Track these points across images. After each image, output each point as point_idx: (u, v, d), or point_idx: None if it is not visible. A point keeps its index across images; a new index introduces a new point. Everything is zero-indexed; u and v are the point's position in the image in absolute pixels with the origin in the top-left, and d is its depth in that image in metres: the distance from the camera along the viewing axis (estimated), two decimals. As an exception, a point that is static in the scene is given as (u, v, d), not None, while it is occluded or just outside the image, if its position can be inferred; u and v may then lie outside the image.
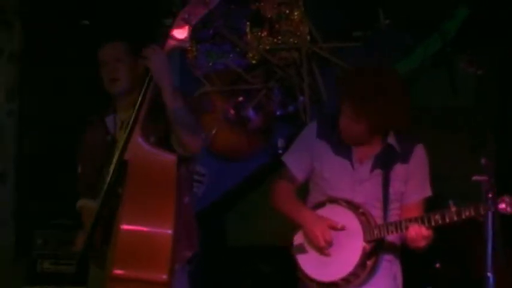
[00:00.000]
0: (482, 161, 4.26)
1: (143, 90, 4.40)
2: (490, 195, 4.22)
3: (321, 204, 4.73)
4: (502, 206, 4.35)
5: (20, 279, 6.35)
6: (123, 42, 4.78)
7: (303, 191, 4.84)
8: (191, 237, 4.71)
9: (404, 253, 4.81)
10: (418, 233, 4.46)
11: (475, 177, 4.31)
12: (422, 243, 4.50)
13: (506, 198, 4.33)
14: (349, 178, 4.71)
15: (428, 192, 4.76)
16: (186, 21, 4.39)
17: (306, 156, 4.80)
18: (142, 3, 6.63)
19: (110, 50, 4.76)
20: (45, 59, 6.74)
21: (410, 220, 4.53)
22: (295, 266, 4.75)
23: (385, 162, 4.69)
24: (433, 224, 4.46)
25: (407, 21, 6.89)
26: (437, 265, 5.84)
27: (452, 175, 4.93)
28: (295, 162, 4.83)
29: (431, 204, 4.69)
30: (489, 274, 4.12)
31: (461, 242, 6.17)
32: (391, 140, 4.70)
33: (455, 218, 4.42)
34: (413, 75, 7.02)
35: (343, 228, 4.62)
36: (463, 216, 4.40)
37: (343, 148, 4.71)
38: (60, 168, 5.20)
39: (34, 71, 6.78)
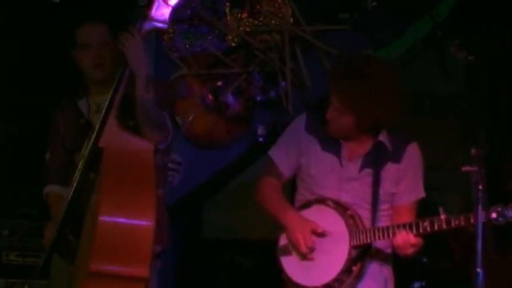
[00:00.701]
0: (473, 151, 4.22)
1: (118, 75, 4.36)
2: (479, 187, 4.17)
3: (307, 205, 4.73)
4: (494, 215, 4.32)
5: (-16, 272, 6.30)
6: (105, 24, 4.74)
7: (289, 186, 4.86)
8: (161, 231, 4.62)
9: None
10: (406, 241, 4.45)
11: (464, 168, 4.27)
12: (410, 251, 4.49)
13: (498, 208, 4.30)
14: (336, 176, 4.69)
15: (421, 194, 4.75)
16: (166, 2, 4.34)
17: (293, 151, 4.78)
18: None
19: (94, 32, 4.73)
20: (13, 38, 6.68)
21: (398, 226, 4.50)
22: (279, 268, 4.73)
23: (375, 161, 4.68)
24: (421, 231, 4.45)
25: (396, 2, 6.85)
26: (425, 260, 5.81)
27: (439, 164, 4.91)
28: (283, 158, 4.81)
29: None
30: (479, 270, 4.05)
31: (450, 236, 6.16)
32: (383, 138, 4.68)
33: (444, 227, 4.41)
34: (402, 59, 7.00)
35: (324, 234, 4.60)
36: (453, 225, 4.40)
37: (332, 144, 4.71)
38: (30, 154, 5.13)
39: (4, 52, 6.69)
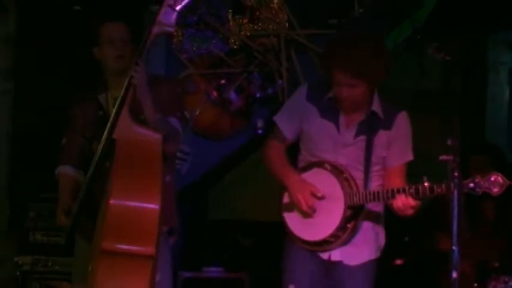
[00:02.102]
0: (449, 141, 4.21)
1: (124, 89, 4.30)
2: (455, 174, 4.16)
3: (308, 167, 4.73)
4: (471, 185, 4.35)
5: (13, 249, 6.29)
6: (126, 24, 4.68)
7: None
8: (171, 213, 4.60)
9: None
10: (406, 204, 4.44)
11: (442, 157, 4.26)
12: (410, 212, 4.49)
13: (476, 179, 4.30)
14: (334, 141, 4.70)
15: (410, 157, 4.75)
16: (172, 8, 4.29)
17: (295, 117, 4.77)
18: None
19: (118, 29, 4.64)
20: (39, 42, 6.69)
21: (387, 192, 4.52)
22: (282, 222, 4.75)
23: (369, 129, 4.67)
24: (409, 196, 4.45)
25: (380, 9, 6.83)
26: (407, 239, 5.79)
27: (418, 154, 4.91)
28: (286, 123, 4.80)
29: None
30: (454, 247, 4.04)
31: (429, 217, 6.14)
32: (376, 107, 4.68)
33: (427, 193, 4.43)
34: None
35: (323, 198, 4.60)
36: (435, 192, 4.40)
37: (330, 112, 4.69)
38: (52, 145, 5.09)
39: (28, 53, 6.72)
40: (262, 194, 4.80)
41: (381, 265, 5.01)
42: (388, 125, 4.68)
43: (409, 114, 4.77)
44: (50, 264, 6.07)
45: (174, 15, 4.30)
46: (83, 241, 4.61)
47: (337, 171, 4.62)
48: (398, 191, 4.47)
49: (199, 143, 6.81)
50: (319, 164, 4.67)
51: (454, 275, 4.06)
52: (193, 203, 6.70)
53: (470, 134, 6.91)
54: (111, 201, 4.03)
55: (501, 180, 4.32)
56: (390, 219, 5.98)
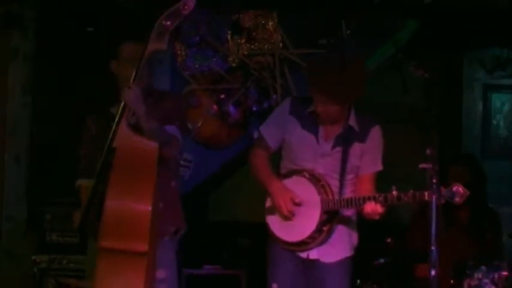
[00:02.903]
0: (428, 151, 4.23)
1: (122, 104, 4.32)
2: (434, 181, 4.19)
3: (288, 175, 4.74)
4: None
5: (31, 249, 6.29)
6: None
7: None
8: (177, 215, 4.64)
9: (360, 231, 4.79)
10: (374, 210, 4.45)
11: (421, 165, 4.30)
12: (377, 217, 4.49)
13: (454, 187, 4.33)
14: (313, 151, 4.70)
15: (379, 167, 4.76)
16: (164, 27, 4.30)
17: (278, 128, 4.79)
18: (138, 14, 6.56)
19: (138, 49, 4.57)
20: (56, 59, 6.68)
21: (359, 199, 4.53)
22: (265, 224, 4.78)
23: (345, 141, 4.69)
24: (378, 203, 4.46)
25: (366, 31, 6.86)
26: (389, 240, 5.80)
27: (401, 163, 4.90)
28: (270, 134, 4.82)
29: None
30: (433, 248, 4.08)
31: (409, 220, 6.17)
32: (352, 121, 4.69)
33: (395, 201, 4.44)
34: (370, 76, 6.99)
35: (300, 204, 4.61)
36: (402, 200, 4.41)
37: (311, 125, 4.70)
38: (67, 154, 5.11)
39: (46, 69, 6.71)
40: (259, 198, 4.80)
41: (365, 264, 5.04)
42: (362, 138, 4.70)
43: (391, 126, 4.79)
44: (64, 262, 6.06)
45: (167, 35, 4.30)
46: (94, 240, 4.62)
47: (315, 179, 4.64)
48: (369, 199, 4.49)
49: (201, 151, 6.83)
50: (299, 172, 4.69)
51: (433, 272, 4.09)
52: (195, 206, 6.70)
53: (447, 144, 6.93)
54: (107, 202, 4.05)
55: (462, 191, 4.33)
56: (374, 223, 6.02)
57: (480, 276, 5.38)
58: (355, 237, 4.82)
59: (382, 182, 4.65)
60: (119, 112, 4.30)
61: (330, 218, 4.65)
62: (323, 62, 4.75)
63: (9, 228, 6.61)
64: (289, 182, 4.71)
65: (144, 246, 4.02)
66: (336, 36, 6.80)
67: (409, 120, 6.86)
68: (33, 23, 6.68)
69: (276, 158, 4.88)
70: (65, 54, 6.64)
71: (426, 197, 4.31)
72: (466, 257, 5.56)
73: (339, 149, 4.69)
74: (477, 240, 5.95)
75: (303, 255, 4.70)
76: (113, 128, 4.28)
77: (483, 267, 5.40)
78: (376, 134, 4.75)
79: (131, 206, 4.05)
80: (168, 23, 4.31)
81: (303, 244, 4.66)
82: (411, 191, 4.37)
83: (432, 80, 6.43)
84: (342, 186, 4.67)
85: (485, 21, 6.69)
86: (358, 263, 5.32)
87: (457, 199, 4.33)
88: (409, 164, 4.55)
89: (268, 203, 4.77)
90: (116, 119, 4.29)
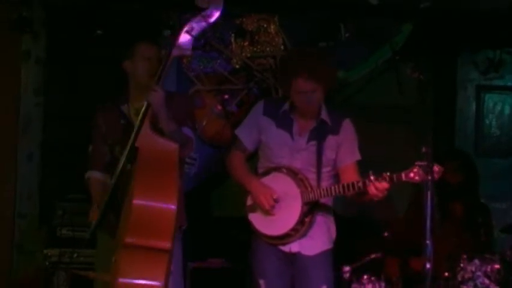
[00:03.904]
0: (423, 149, 4.25)
1: (145, 105, 4.34)
2: (429, 178, 4.20)
3: (267, 172, 4.80)
4: (411, 175, 4.40)
5: (42, 243, 6.31)
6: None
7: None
8: (180, 212, 4.60)
9: (358, 226, 4.81)
10: (379, 188, 4.46)
11: (417, 163, 4.34)
12: (382, 195, 4.51)
13: (415, 168, 4.35)
14: (289, 147, 4.76)
15: (358, 156, 4.82)
16: (189, 34, 4.33)
17: (254, 129, 4.88)
18: (146, 17, 6.59)
19: (154, 49, 4.66)
20: (66, 61, 6.70)
21: (338, 187, 4.60)
22: (248, 222, 4.82)
23: (319, 135, 4.75)
24: (356, 189, 4.53)
25: (364, 34, 6.87)
26: (386, 234, 5.81)
27: (397, 160, 4.93)
28: (246, 135, 4.88)
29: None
30: (428, 241, 4.10)
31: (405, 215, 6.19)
32: (324, 115, 4.76)
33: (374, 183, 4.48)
34: (367, 78, 7.03)
35: (278, 199, 4.67)
36: (379, 183, 4.45)
37: (285, 123, 4.77)
38: (77, 151, 5.14)
39: (57, 71, 6.74)
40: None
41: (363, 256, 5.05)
42: (335, 130, 4.78)
43: (388, 126, 4.82)
44: (75, 256, 6.02)
45: (191, 40, 4.34)
46: (105, 235, 4.64)
47: (293, 173, 4.71)
48: (348, 186, 4.54)
49: (205, 149, 6.84)
50: (277, 169, 4.76)
51: (428, 266, 4.10)
52: (200, 201, 6.73)
53: (441, 142, 6.95)
54: (134, 201, 4.07)
55: (437, 169, 4.35)
56: (371, 219, 6.05)
57: (473, 269, 5.39)
58: (333, 230, 4.90)
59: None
60: (142, 112, 4.32)
61: (311, 209, 4.71)
62: (302, 51, 4.89)
63: (21, 223, 6.64)
64: (267, 179, 4.78)
65: (168, 244, 4.08)
66: (335, 39, 6.81)
67: (405, 120, 6.88)
68: (44, 27, 6.69)
69: (254, 161, 4.93)
70: (75, 56, 6.67)
71: (403, 178, 4.40)
72: (460, 251, 5.58)
73: (313, 142, 4.75)
74: (470, 234, 5.96)
75: (286, 249, 4.76)
76: (136, 128, 4.30)
77: (476, 261, 5.41)
78: (348, 125, 4.84)
79: (158, 205, 4.09)
80: (194, 30, 4.33)
81: (287, 237, 4.72)
82: (387, 173, 4.43)
83: (426, 82, 6.43)
84: (319, 179, 4.74)
85: (478, 24, 6.71)
86: (355, 256, 5.36)
87: (416, 178, 4.38)
88: (405, 162, 4.56)
89: (249, 201, 4.85)
90: (139, 119, 4.32)
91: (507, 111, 7.55)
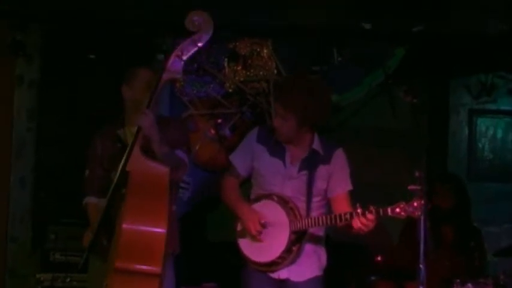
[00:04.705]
0: (416, 173, 4.26)
1: (137, 128, 4.33)
2: (422, 202, 4.21)
3: (258, 199, 4.79)
4: (397, 210, 4.38)
5: (35, 267, 6.26)
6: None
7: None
8: (174, 238, 4.61)
9: (351, 249, 4.80)
10: (363, 222, 4.44)
11: (410, 187, 4.34)
12: (372, 226, 4.47)
13: (401, 204, 4.34)
14: (281, 175, 4.76)
15: (350, 187, 4.79)
16: (180, 57, 4.33)
17: (247, 156, 4.85)
18: (139, 42, 6.60)
19: (152, 74, 4.62)
20: (59, 85, 6.70)
21: (326, 218, 4.58)
22: (237, 248, 4.81)
23: (310, 164, 4.75)
24: (343, 221, 4.50)
25: (357, 58, 6.89)
26: (379, 258, 5.81)
27: (391, 184, 4.92)
28: (240, 162, 4.88)
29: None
30: (421, 266, 4.10)
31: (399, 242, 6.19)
32: (316, 145, 4.75)
33: (361, 217, 4.44)
34: (361, 102, 7.05)
35: (266, 225, 4.67)
36: (366, 216, 4.42)
37: (278, 151, 4.77)
38: (70, 175, 5.13)
39: (50, 95, 6.73)
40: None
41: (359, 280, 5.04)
42: (327, 160, 4.77)
43: (381, 149, 4.82)
44: (67, 280, 6.03)
45: (181, 64, 4.33)
46: (97, 259, 4.61)
47: (283, 201, 4.70)
48: (335, 217, 4.52)
49: (199, 173, 6.84)
50: (268, 196, 4.75)
51: (422, 289, 4.11)
52: (194, 226, 6.72)
53: (434, 166, 6.96)
54: (124, 226, 4.06)
55: (418, 205, 4.35)
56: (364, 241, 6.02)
57: (466, 292, 5.41)
58: (323, 258, 4.87)
59: (372, 202, 4.66)
60: (134, 136, 4.30)
61: (299, 238, 4.68)
62: (288, 77, 4.88)
63: (14, 248, 6.61)
64: (258, 206, 4.78)
65: (158, 268, 4.06)
66: (328, 63, 6.84)
67: (398, 144, 6.89)
68: (37, 51, 6.69)
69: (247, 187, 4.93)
70: (68, 80, 6.67)
71: (389, 213, 4.37)
72: (453, 275, 5.58)
73: (304, 172, 4.73)
74: (463, 258, 5.97)
75: (274, 275, 4.74)
76: (127, 152, 4.29)
77: (469, 285, 5.42)
78: (340, 155, 4.82)
79: (148, 229, 4.08)
80: (184, 53, 4.33)
81: (274, 264, 4.71)
82: (374, 207, 4.42)
83: (420, 105, 6.47)
84: (309, 208, 4.72)
85: (470, 48, 6.74)
86: (350, 279, 5.35)
87: (417, 213, 4.34)
88: (398, 186, 4.57)
89: (239, 227, 4.82)
90: (130, 143, 4.30)
91: (499, 135, 7.58)
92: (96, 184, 4.71)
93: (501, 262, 6.09)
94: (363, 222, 4.45)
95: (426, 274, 4.13)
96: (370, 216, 4.44)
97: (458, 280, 5.45)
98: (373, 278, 5.48)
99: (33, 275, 6.17)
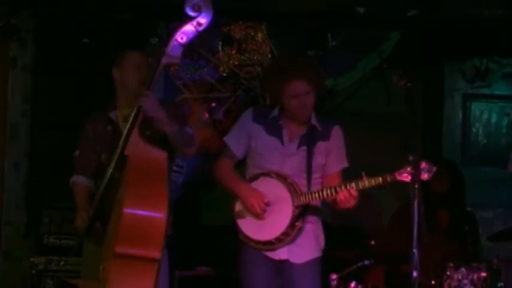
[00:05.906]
0: (410, 157, 4.26)
1: (134, 111, 4.30)
2: (415, 186, 4.21)
3: (255, 177, 4.77)
4: (404, 175, 4.41)
5: (30, 251, 6.30)
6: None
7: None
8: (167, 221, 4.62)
9: (346, 234, 4.80)
10: (347, 195, 4.51)
11: (402, 169, 4.32)
12: (352, 203, 4.55)
13: (408, 168, 4.34)
14: (279, 153, 4.75)
15: (345, 164, 4.83)
16: (179, 42, 4.30)
17: (243, 136, 4.84)
18: (132, 25, 6.58)
19: (144, 57, 4.65)
20: (53, 69, 6.69)
21: (330, 188, 4.58)
22: (236, 229, 4.77)
23: (309, 140, 4.75)
24: (349, 188, 4.52)
25: (351, 42, 6.88)
26: (372, 242, 5.81)
27: (385, 168, 4.92)
28: (235, 143, 4.86)
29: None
30: (414, 250, 4.10)
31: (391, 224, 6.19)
32: (314, 121, 4.75)
33: (366, 185, 4.50)
34: (356, 86, 7.04)
35: (270, 203, 4.65)
36: (373, 183, 4.50)
37: (274, 129, 4.78)
38: (64, 159, 5.12)
39: (43, 79, 6.73)
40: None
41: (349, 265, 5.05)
42: (325, 136, 4.78)
43: (376, 134, 4.83)
44: (61, 263, 6.04)
45: (181, 49, 4.32)
46: (92, 243, 4.59)
47: (282, 178, 4.69)
48: (340, 187, 4.55)
49: (193, 157, 6.83)
50: (266, 174, 4.74)
51: (415, 274, 4.11)
52: (188, 210, 6.71)
53: (429, 150, 6.96)
54: (125, 210, 4.03)
55: (427, 166, 4.36)
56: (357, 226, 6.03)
57: (460, 277, 5.40)
58: (322, 239, 4.87)
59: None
60: (131, 119, 4.29)
61: (302, 212, 4.68)
62: (292, 57, 4.99)
63: (8, 231, 6.62)
64: (256, 184, 4.77)
65: (157, 253, 4.05)
66: (323, 48, 6.83)
67: (393, 128, 6.89)
68: (31, 34, 6.68)
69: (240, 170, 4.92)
70: (62, 63, 6.66)
71: (396, 177, 4.40)
72: (447, 259, 5.58)
73: (303, 148, 4.74)
74: (457, 242, 5.97)
75: (274, 256, 4.72)
76: (124, 135, 4.27)
77: (463, 269, 5.43)
78: (338, 132, 4.84)
79: (148, 214, 4.06)
80: (183, 38, 4.31)
81: (277, 242, 4.68)
82: (381, 175, 4.45)
83: (414, 90, 6.46)
84: (309, 184, 4.72)
85: (465, 32, 6.73)
86: (342, 264, 5.35)
87: (425, 175, 4.36)
88: (392, 170, 4.56)
89: (237, 207, 4.81)
90: (128, 127, 4.28)
91: (494, 119, 7.57)
92: (86, 165, 4.70)
93: (495, 246, 6.09)
94: (345, 195, 4.50)
95: (420, 258, 4.13)
96: (353, 191, 4.50)
97: (452, 264, 5.45)
98: (366, 262, 5.47)
99: (28, 258, 6.19)
